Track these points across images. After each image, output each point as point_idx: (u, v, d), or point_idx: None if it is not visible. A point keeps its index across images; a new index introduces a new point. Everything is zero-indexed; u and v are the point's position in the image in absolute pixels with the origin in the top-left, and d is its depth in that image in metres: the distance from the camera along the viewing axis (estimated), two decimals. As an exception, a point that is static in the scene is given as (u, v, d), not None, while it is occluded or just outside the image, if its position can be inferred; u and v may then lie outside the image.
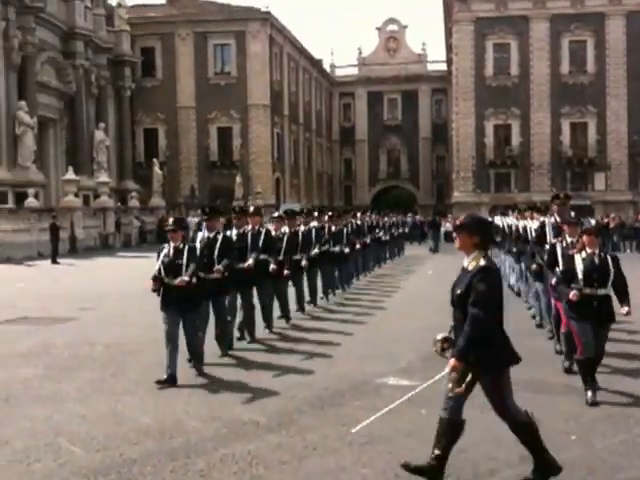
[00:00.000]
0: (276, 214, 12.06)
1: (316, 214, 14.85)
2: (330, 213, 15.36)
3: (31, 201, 32.15)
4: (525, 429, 4.86)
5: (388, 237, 24.34)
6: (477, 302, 4.61)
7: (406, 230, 35.02)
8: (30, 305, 14.21)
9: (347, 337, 10.57)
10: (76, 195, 35.28)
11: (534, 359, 8.83)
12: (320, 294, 14.08)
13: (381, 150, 66.50)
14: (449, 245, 38.61)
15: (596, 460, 5.48)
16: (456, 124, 50.39)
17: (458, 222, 4.94)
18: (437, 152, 65.53)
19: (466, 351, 4.60)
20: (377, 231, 22.01)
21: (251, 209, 10.78)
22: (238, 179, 46.05)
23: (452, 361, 4.64)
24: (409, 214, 45.90)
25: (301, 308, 12.78)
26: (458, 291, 4.80)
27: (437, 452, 4.83)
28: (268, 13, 49.14)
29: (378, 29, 68.48)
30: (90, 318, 12.56)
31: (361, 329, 11.39)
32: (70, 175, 35.10)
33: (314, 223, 13.66)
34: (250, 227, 10.20)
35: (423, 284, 19.09)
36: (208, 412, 6.61)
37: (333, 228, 14.60)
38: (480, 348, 4.62)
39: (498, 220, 19.06)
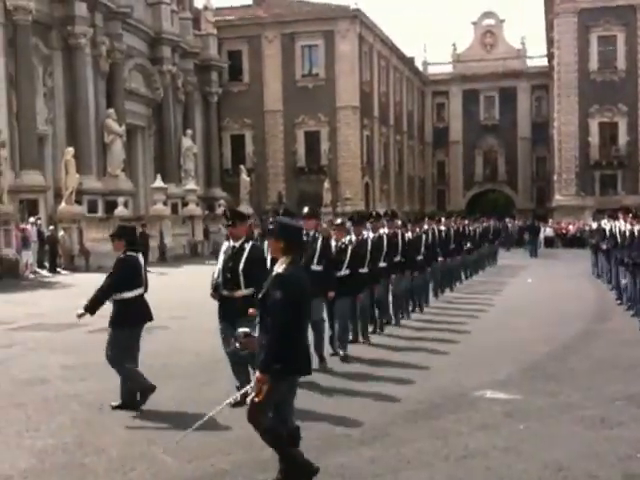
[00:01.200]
0: (338, 221, 10.43)
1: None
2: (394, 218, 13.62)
3: (121, 210, 32.06)
4: (274, 440, 4.82)
5: (475, 255, 22.29)
6: (272, 311, 4.64)
7: (501, 237, 33.30)
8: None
9: (442, 350, 10.25)
10: (164, 203, 35.10)
11: (638, 371, 8.67)
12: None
13: (477, 152, 63.93)
14: (550, 251, 36.82)
15: None
16: (558, 122, 48.30)
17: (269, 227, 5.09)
18: (537, 153, 62.46)
19: (269, 363, 4.62)
20: (463, 242, 19.99)
21: (305, 210, 9.14)
22: (326, 184, 44.91)
23: (257, 375, 4.67)
24: (507, 219, 44.04)
25: (396, 321, 12.26)
26: (260, 296, 4.88)
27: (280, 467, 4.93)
28: (357, 10, 47.67)
29: (474, 24, 66.18)
30: (180, 327, 12.57)
31: (456, 342, 10.97)
32: (158, 183, 34.95)
33: (384, 230, 11.79)
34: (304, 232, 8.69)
35: (522, 293, 18.39)
36: (300, 423, 6.13)
37: (409, 235, 12.88)
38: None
39: (605, 224, 17.15)
